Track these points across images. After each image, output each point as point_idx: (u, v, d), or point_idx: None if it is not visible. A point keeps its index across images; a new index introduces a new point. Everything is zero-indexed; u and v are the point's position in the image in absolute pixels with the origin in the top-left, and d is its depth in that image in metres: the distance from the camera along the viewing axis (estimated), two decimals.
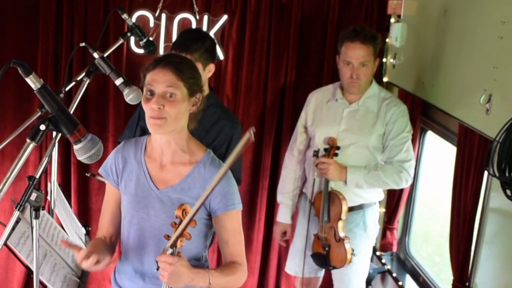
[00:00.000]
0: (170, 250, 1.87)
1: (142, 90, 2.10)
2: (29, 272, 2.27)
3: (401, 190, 3.41)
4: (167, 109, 1.95)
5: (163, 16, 3.68)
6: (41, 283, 2.18)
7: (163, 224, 2.01)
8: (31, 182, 1.81)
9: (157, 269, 1.90)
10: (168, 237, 1.89)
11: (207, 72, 2.66)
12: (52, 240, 2.50)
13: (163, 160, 2.09)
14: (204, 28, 3.68)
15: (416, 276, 3.45)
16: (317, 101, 3.24)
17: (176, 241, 1.87)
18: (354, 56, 2.99)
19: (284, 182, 3.38)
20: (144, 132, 2.77)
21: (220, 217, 2.07)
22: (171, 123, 1.98)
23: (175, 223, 1.89)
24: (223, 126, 2.60)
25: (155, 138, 2.08)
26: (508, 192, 2.14)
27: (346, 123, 3.11)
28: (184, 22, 3.70)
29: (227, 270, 2.07)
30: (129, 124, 2.90)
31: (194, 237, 2.08)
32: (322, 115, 3.20)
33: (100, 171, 2.19)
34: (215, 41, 2.76)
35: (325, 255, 3.13)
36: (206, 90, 2.53)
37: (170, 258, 1.85)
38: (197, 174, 2.06)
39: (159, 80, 1.96)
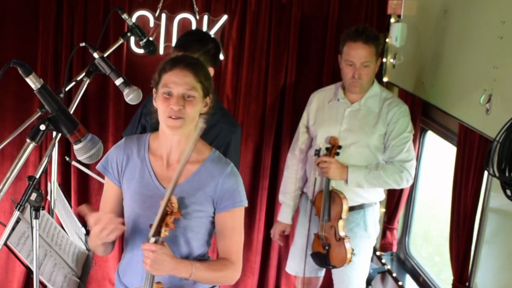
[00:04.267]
0: (153, 239, 1.92)
1: (151, 90, 2.09)
2: (29, 272, 2.28)
3: (401, 190, 3.42)
4: (187, 109, 1.97)
5: (163, 16, 3.69)
6: (41, 283, 2.18)
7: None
8: (31, 182, 1.81)
9: None
10: (151, 226, 1.93)
11: None
12: (52, 240, 2.50)
13: (170, 159, 2.09)
14: (204, 28, 3.68)
15: (416, 276, 3.45)
16: (319, 101, 3.25)
17: (159, 230, 1.91)
18: (357, 56, 2.99)
19: (286, 183, 3.39)
20: (145, 129, 2.77)
21: (224, 214, 2.08)
22: (188, 123, 2.00)
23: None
24: (221, 130, 2.60)
25: (166, 137, 2.07)
26: (508, 192, 2.14)
27: (347, 123, 3.11)
28: (184, 22, 3.70)
29: (214, 265, 2.10)
30: (132, 121, 2.92)
31: (202, 235, 2.11)
32: (324, 114, 3.20)
33: (98, 167, 2.16)
34: (219, 47, 2.75)
35: (325, 255, 3.13)
36: None
37: (153, 246, 1.90)
38: (204, 171, 2.07)
39: (179, 82, 1.97)
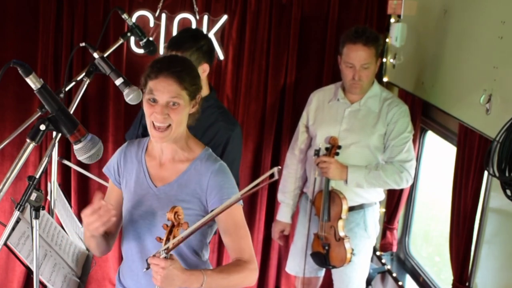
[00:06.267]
0: (164, 254, 1.87)
1: (142, 92, 2.10)
2: (29, 272, 2.28)
3: (401, 190, 3.42)
4: (171, 116, 1.98)
5: (163, 16, 3.68)
6: (41, 283, 2.18)
7: (159, 221, 2.01)
8: (31, 182, 1.81)
9: (147, 268, 1.90)
10: (160, 239, 1.89)
11: (201, 72, 2.65)
12: (52, 240, 2.50)
13: (163, 158, 2.11)
14: (204, 28, 3.68)
15: (416, 276, 3.45)
16: (318, 100, 3.25)
17: (172, 249, 1.86)
18: (356, 58, 2.98)
19: (286, 182, 3.38)
20: (145, 130, 2.77)
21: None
22: (175, 130, 2.01)
23: (167, 225, 1.89)
24: (220, 128, 2.60)
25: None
26: (508, 192, 2.14)
27: (347, 123, 3.11)
28: (184, 22, 3.70)
29: (228, 269, 2.06)
30: (134, 122, 2.93)
31: (193, 235, 2.08)
32: (324, 114, 3.20)
33: (104, 170, 2.21)
34: (212, 43, 2.74)
35: (325, 254, 3.13)
36: (204, 90, 2.53)
37: (163, 262, 1.85)
38: (193, 170, 2.08)
39: (163, 91, 1.98)
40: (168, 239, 1.88)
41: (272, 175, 1.64)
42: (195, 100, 2.06)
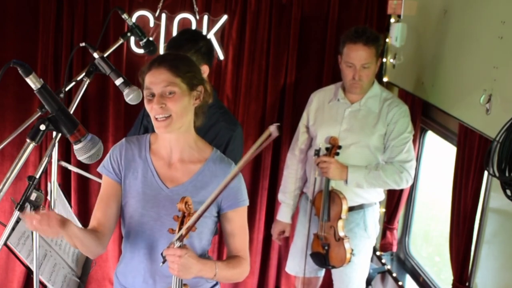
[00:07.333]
0: (178, 243, 1.89)
1: (143, 93, 2.10)
2: (29, 272, 2.28)
3: (401, 190, 3.42)
4: (169, 106, 1.97)
5: (163, 16, 3.69)
6: (41, 283, 2.19)
7: (173, 223, 2.01)
8: (31, 182, 1.81)
9: (163, 262, 1.91)
10: (172, 231, 1.91)
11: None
12: (52, 240, 2.51)
13: (172, 158, 2.09)
14: (204, 28, 3.68)
15: (416, 276, 3.45)
16: (319, 101, 3.25)
17: (185, 235, 1.88)
18: (357, 58, 2.98)
19: (286, 182, 3.39)
20: (147, 131, 2.77)
21: (230, 214, 2.09)
22: (177, 120, 1.99)
23: (178, 217, 1.92)
24: (221, 128, 2.60)
25: (164, 136, 2.08)
26: (508, 192, 2.14)
27: (347, 123, 3.11)
28: (184, 22, 3.70)
29: (232, 263, 2.11)
30: (135, 123, 2.93)
31: (204, 234, 2.11)
32: (324, 114, 3.20)
33: (99, 169, 2.15)
34: (211, 44, 2.75)
35: (324, 255, 3.13)
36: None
37: (179, 251, 1.87)
38: (207, 171, 2.07)
39: (156, 81, 1.98)
40: (180, 229, 1.89)
41: (270, 135, 1.64)
42: (196, 91, 2.04)
